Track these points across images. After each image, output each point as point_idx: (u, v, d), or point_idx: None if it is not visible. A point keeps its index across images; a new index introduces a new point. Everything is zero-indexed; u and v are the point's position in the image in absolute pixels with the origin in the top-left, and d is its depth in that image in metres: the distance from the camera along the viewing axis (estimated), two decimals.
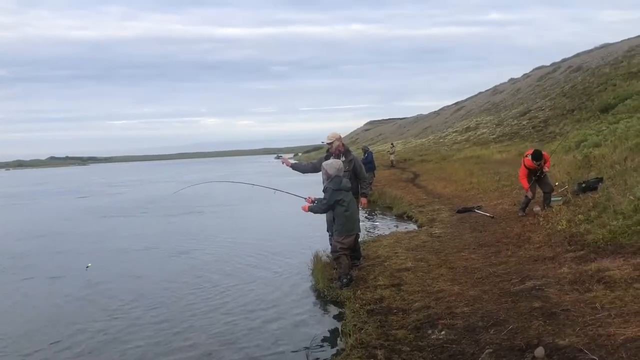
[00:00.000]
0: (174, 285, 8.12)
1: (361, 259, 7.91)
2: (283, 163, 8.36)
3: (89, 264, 9.41)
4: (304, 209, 7.10)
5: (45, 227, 16.22)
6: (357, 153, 10.56)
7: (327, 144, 7.95)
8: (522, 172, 9.96)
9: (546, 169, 9.91)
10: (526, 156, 9.87)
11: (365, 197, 7.93)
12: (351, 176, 7.56)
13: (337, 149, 7.82)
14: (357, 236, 7.54)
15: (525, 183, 9.89)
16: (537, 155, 9.63)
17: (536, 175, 9.85)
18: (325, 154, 8.04)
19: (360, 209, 7.85)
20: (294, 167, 8.25)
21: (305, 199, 7.28)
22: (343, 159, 7.66)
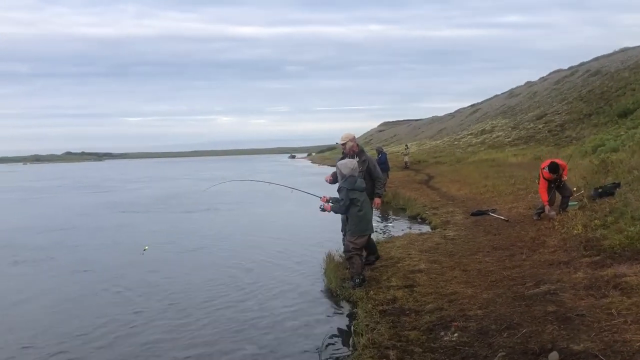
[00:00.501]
0: (190, 281, 8.19)
1: (374, 258, 7.88)
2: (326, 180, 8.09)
3: (146, 247, 9.56)
4: (326, 208, 7.05)
5: (66, 221, 16.45)
6: (370, 154, 10.42)
7: (341, 144, 7.95)
8: (541, 184, 9.81)
9: (564, 177, 9.84)
10: (543, 169, 9.78)
11: (379, 197, 7.90)
12: (365, 176, 7.55)
13: (351, 149, 7.82)
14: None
15: (545, 196, 9.74)
16: (554, 168, 9.56)
17: (555, 184, 9.79)
18: (341, 155, 8.04)
19: (374, 209, 7.82)
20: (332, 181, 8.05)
21: (320, 197, 7.28)
22: (357, 159, 7.65)
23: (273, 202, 19.63)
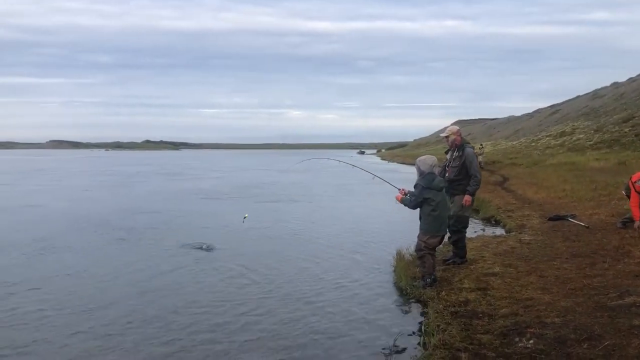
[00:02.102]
0: (264, 270, 8.37)
1: (460, 260, 7.74)
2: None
3: (246, 215, 10.18)
4: (397, 198, 7.02)
5: (163, 204, 17.85)
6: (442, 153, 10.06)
7: (444, 137, 7.89)
8: (633, 199, 9.13)
9: None
10: (635, 182, 9.18)
11: (470, 195, 7.53)
12: (461, 171, 7.52)
13: (453, 142, 7.74)
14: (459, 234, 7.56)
15: (637, 211, 9.17)
16: None
17: None
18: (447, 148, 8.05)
19: (463, 207, 7.57)
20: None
21: (399, 189, 7.22)
22: (456, 153, 7.64)
23: (349, 196, 19.91)
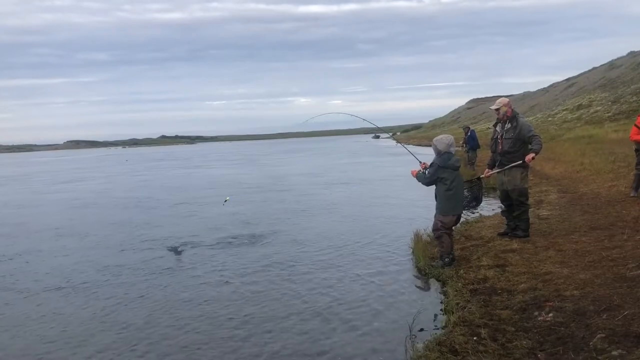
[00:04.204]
0: (280, 254, 8.50)
1: (522, 232, 7.71)
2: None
3: (227, 198, 10.46)
4: (412, 173, 7.08)
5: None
6: (458, 132, 9.99)
7: (495, 109, 7.82)
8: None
9: None
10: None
11: (536, 153, 7.38)
12: (516, 142, 7.45)
13: (505, 114, 7.68)
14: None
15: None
16: None
17: None
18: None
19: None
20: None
21: (420, 162, 7.28)
22: (509, 125, 7.59)
23: (373, 183, 19.98)
